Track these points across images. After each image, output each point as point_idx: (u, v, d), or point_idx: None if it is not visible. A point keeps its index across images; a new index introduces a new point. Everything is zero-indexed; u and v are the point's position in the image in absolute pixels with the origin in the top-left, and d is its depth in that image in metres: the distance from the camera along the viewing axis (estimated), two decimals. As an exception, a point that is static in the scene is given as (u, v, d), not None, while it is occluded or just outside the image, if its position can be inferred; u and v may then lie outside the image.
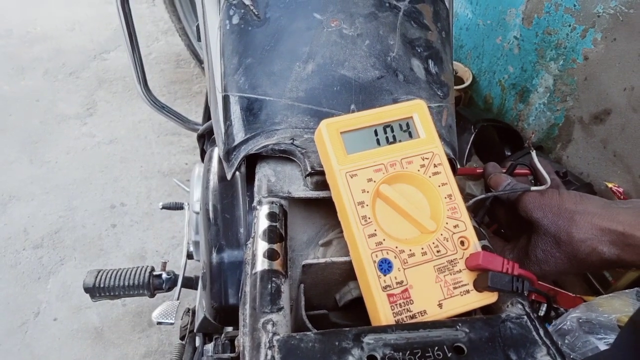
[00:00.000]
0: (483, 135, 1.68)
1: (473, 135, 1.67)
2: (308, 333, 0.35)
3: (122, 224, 1.80)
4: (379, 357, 0.33)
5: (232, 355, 0.41)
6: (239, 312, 0.41)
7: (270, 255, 0.39)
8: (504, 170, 0.56)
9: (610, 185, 1.39)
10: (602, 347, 1.27)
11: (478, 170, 0.56)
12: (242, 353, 0.36)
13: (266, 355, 0.33)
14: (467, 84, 1.83)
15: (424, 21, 0.52)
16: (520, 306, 0.39)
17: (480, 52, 1.87)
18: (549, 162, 0.57)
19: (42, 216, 1.81)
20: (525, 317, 0.37)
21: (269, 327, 0.35)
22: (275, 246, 0.40)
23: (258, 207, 0.44)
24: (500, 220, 0.57)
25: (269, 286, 0.37)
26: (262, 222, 0.42)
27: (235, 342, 0.43)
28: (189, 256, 0.99)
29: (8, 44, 2.61)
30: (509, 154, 1.66)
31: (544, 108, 1.60)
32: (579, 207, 0.46)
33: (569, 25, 1.44)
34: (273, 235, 0.41)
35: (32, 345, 1.47)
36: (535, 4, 1.56)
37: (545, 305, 1.20)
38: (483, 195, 0.51)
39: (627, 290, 1.33)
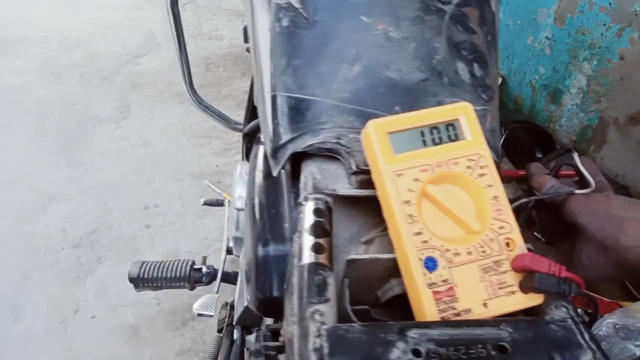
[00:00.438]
0: (513, 137, 1.67)
1: (503, 137, 1.65)
2: (354, 324, 0.36)
3: (155, 224, 1.85)
4: (423, 351, 0.34)
5: (278, 343, 0.43)
6: (285, 302, 0.42)
7: (317, 249, 0.41)
8: (548, 172, 0.56)
9: (647, 187, 1.36)
10: (640, 353, 1.25)
11: (521, 172, 0.56)
12: (290, 341, 0.37)
13: (314, 343, 0.34)
14: (497, 85, 1.82)
15: (470, 24, 0.53)
16: (564, 309, 0.39)
17: (510, 53, 1.85)
18: (594, 164, 0.56)
19: (79, 216, 1.87)
20: (570, 320, 0.38)
21: (317, 316, 0.36)
22: (322, 240, 0.42)
23: (304, 203, 0.45)
24: (543, 224, 0.57)
25: (316, 278, 0.39)
26: (309, 218, 0.43)
27: (281, 331, 0.44)
28: (229, 252, 1.02)
29: (46, 50, 2.71)
30: (540, 156, 1.64)
31: (576, 109, 1.58)
32: (627, 214, 0.45)
33: (604, 24, 1.41)
34: (319, 230, 0.42)
35: (72, 342, 1.52)
36: (569, 3, 1.54)
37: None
38: (526, 199, 0.51)
39: (665, 296, 1.30)
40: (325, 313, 0.37)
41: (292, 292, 0.40)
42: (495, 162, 0.50)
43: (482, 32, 0.54)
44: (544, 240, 0.56)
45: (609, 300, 1.36)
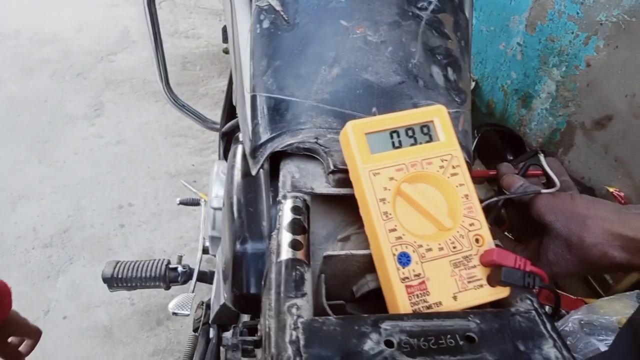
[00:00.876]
0: (485, 140, 1.71)
1: (476, 140, 1.70)
2: (329, 317, 0.37)
3: (130, 224, 1.83)
4: (395, 342, 0.36)
5: (255, 338, 0.44)
6: (263, 297, 0.43)
7: (294, 245, 0.42)
8: (517, 172, 0.58)
9: (611, 189, 1.42)
10: (603, 348, 1.30)
11: (491, 172, 0.59)
12: (267, 335, 0.38)
13: (291, 335, 0.36)
14: (470, 89, 1.86)
15: (445, 30, 0.55)
16: (529, 302, 0.41)
17: (484, 58, 1.90)
18: (560, 164, 0.59)
19: (51, 215, 1.83)
20: (534, 311, 0.40)
21: (294, 310, 0.37)
22: (299, 237, 0.43)
23: (283, 201, 0.46)
24: (512, 221, 0.59)
25: (294, 274, 0.40)
26: (287, 215, 0.44)
27: (258, 326, 0.45)
28: (205, 251, 1.02)
29: (17, 44, 2.64)
30: (511, 158, 1.69)
31: (546, 113, 1.63)
32: (591, 212, 0.48)
33: (572, 33, 1.47)
34: (297, 227, 0.44)
35: (42, 343, 1.46)
36: (539, 11, 1.59)
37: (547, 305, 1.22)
38: (496, 198, 0.53)
39: (627, 293, 1.36)
40: (302, 307, 0.38)
41: (269, 287, 0.41)
42: (467, 163, 0.52)
43: (456, 37, 0.56)
44: (512, 238, 0.59)
45: (575, 297, 1.42)
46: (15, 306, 1.54)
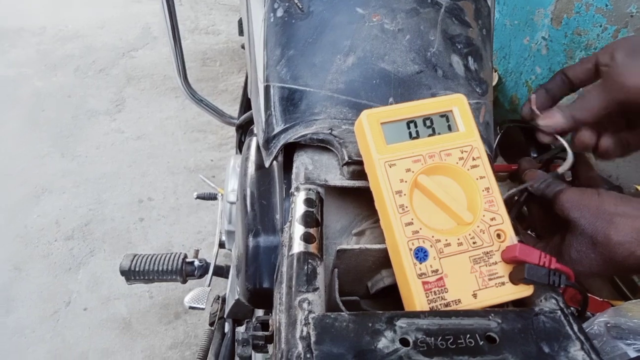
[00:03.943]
0: (508, 137, 1.67)
1: (499, 136, 1.66)
2: (342, 313, 0.36)
3: (149, 218, 1.84)
4: (411, 341, 0.34)
5: (266, 333, 0.43)
6: (275, 291, 0.42)
7: (307, 238, 0.41)
8: (540, 167, 0.56)
9: (640, 188, 1.37)
10: (632, 353, 1.25)
11: (513, 167, 0.57)
12: (278, 330, 0.37)
13: (302, 331, 0.34)
14: (493, 84, 1.82)
15: (465, 18, 0.53)
16: (554, 301, 0.39)
17: (507, 53, 1.86)
18: (588, 160, 0.56)
19: (73, 209, 1.86)
20: (559, 311, 0.38)
21: (305, 305, 0.36)
22: (312, 230, 0.42)
23: (295, 193, 0.45)
24: (533, 218, 0.57)
25: (305, 267, 0.39)
26: (300, 208, 0.43)
27: (270, 321, 0.44)
28: (221, 245, 1.02)
29: (41, 41, 2.69)
30: (535, 155, 1.65)
31: (572, 109, 1.58)
32: (619, 209, 0.45)
33: (600, 26, 1.42)
34: (310, 219, 0.42)
35: (64, 334, 1.51)
36: (565, 4, 1.54)
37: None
38: (515, 189, 0.51)
39: (656, 295, 1.31)
40: (313, 302, 0.37)
41: (281, 281, 0.40)
42: (488, 156, 0.50)
43: (477, 26, 0.54)
44: (533, 235, 0.56)
45: (601, 300, 1.37)
46: (38, 298, 1.57)
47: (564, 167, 0.50)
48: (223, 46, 2.76)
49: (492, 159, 0.51)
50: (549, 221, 0.54)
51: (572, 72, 0.53)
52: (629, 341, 1.29)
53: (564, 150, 0.57)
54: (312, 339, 0.34)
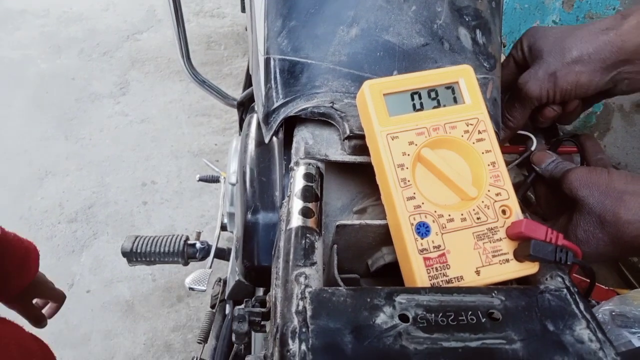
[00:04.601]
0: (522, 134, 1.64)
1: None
2: (340, 288, 0.35)
3: (152, 201, 1.84)
4: (410, 317, 0.33)
5: (263, 310, 0.42)
6: (272, 266, 0.41)
7: (305, 212, 0.40)
8: (548, 148, 0.55)
9: (649, 175, 1.34)
10: (636, 341, 1.24)
11: (520, 148, 0.55)
12: (274, 304, 0.36)
13: (297, 305, 0.33)
14: (501, 60, 1.79)
15: None
16: (560, 279, 0.38)
17: (517, 37, 1.82)
18: (597, 141, 0.55)
19: (76, 191, 1.86)
20: (565, 290, 0.37)
21: (302, 279, 0.35)
22: (311, 205, 0.40)
23: (295, 167, 0.44)
24: (540, 199, 0.56)
25: (303, 241, 0.38)
26: (299, 182, 0.42)
27: (267, 297, 0.43)
28: (223, 228, 1.01)
29: (45, 23, 2.68)
30: (543, 142, 1.62)
31: (581, 95, 1.55)
32: (629, 187, 0.44)
33: (613, 8, 1.38)
34: (309, 194, 0.41)
35: (67, 315, 1.52)
36: (577, -14, 1.51)
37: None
38: (515, 160, 0.50)
39: (663, 284, 1.29)
40: (310, 276, 0.36)
41: (278, 256, 0.39)
42: (496, 133, 0.48)
43: (486, -3, 0.52)
44: (539, 218, 0.55)
45: (607, 288, 1.36)
46: (41, 279, 1.57)
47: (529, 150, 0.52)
48: (228, 29, 2.73)
49: (499, 137, 0.50)
50: (556, 202, 0.52)
51: (504, 77, 0.56)
52: (633, 329, 1.28)
53: (571, 137, 0.56)
54: (309, 313, 0.33)
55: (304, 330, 0.32)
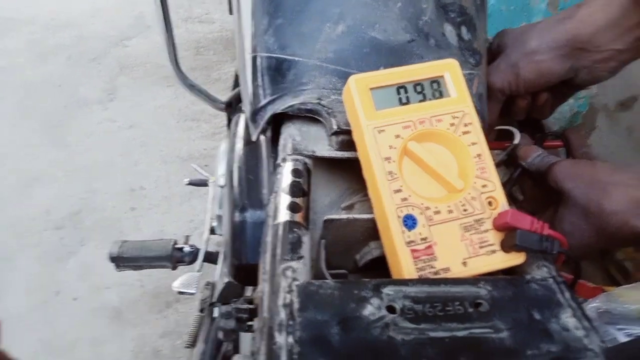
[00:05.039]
0: (503, 123, 1.66)
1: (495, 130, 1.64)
2: (327, 281, 0.35)
3: (141, 207, 1.82)
4: (397, 308, 0.33)
5: (250, 306, 0.41)
6: (260, 262, 0.41)
7: (293, 207, 0.40)
8: (534, 142, 0.55)
9: (635, 174, 1.36)
10: (622, 338, 1.25)
11: (506, 144, 0.56)
12: (261, 299, 0.36)
13: (284, 298, 0.33)
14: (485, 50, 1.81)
15: None
16: (546, 269, 0.38)
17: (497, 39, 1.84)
18: (582, 135, 0.57)
19: (63, 198, 1.84)
20: (551, 279, 0.37)
21: (289, 273, 0.35)
22: (298, 200, 0.41)
23: (282, 164, 0.44)
24: (526, 194, 0.56)
25: (290, 236, 0.38)
26: (286, 178, 0.42)
27: (254, 294, 0.43)
28: (212, 231, 1.01)
29: (32, 30, 2.65)
30: (529, 137, 1.64)
31: (567, 97, 1.57)
32: (613, 178, 0.45)
33: (596, 11, 1.41)
34: (296, 189, 0.41)
35: (53, 323, 1.49)
36: (561, -11, 1.53)
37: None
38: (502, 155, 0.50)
39: (649, 282, 1.31)
40: (297, 270, 0.35)
41: (265, 251, 0.39)
42: (483, 128, 0.49)
43: (471, -6, 0.53)
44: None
45: (593, 286, 1.37)
46: (27, 287, 1.55)
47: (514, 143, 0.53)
48: (217, 35, 2.73)
49: (486, 132, 0.50)
50: (542, 196, 0.53)
51: None
52: (619, 326, 1.29)
53: (558, 136, 0.58)
54: (296, 306, 0.33)
55: (290, 323, 0.32)
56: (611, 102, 1.42)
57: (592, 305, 1.36)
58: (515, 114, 0.57)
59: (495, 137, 0.58)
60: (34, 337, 1.46)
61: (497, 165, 0.59)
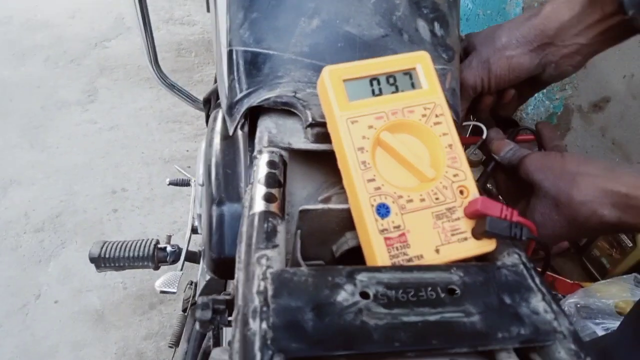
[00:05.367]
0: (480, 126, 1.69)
1: (471, 126, 1.67)
2: (301, 268, 0.35)
3: (123, 208, 1.80)
4: (371, 294, 0.34)
5: (227, 297, 0.42)
6: (236, 252, 0.41)
7: (268, 198, 0.40)
8: (507, 136, 0.57)
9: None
10: (600, 332, 1.28)
11: (477, 139, 0.57)
12: (236, 288, 0.36)
13: (259, 286, 0.33)
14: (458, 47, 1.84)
15: None
16: (516, 256, 0.39)
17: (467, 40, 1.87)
18: (554, 128, 0.58)
19: (43, 200, 1.81)
20: (522, 265, 0.38)
21: (263, 261, 0.35)
22: (274, 190, 0.41)
23: (258, 156, 0.44)
24: (500, 187, 0.58)
25: (265, 225, 0.38)
26: (262, 169, 0.42)
27: (231, 287, 0.43)
28: (194, 230, 1.00)
29: (9, 30, 2.61)
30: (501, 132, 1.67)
31: (542, 97, 1.60)
32: (581, 169, 0.46)
33: (571, 12, 1.44)
34: (272, 180, 0.41)
35: (33, 327, 1.47)
36: (537, -9, 1.56)
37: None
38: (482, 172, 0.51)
39: (624, 276, 1.34)
40: (272, 258, 0.36)
41: (240, 241, 0.39)
42: (455, 122, 0.50)
43: (443, -9, 0.54)
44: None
45: (571, 282, 1.40)
46: (5, 291, 1.52)
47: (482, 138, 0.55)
48: (198, 37, 2.72)
49: (459, 126, 0.51)
50: (515, 189, 0.54)
51: None
52: (597, 320, 1.32)
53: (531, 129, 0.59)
54: (270, 292, 0.33)
55: (264, 309, 0.32)
56: (585, 104, 1.45)
57: (571, 301, 1.39)
58: (481, 112, 0.58)
59: (467, 133, 0.59)
60: (12, 342, 1.44)
61: (475, 164, 0.60)
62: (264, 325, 0.31)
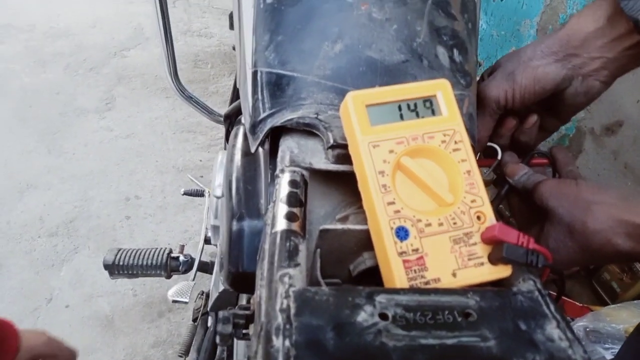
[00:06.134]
0: (492, 148, 1.69)
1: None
2: (323, 288, 0.36)
3: (136, 216, 1.83)
4: (390, 315, 0.35)
5: (247, 312, 0.43)
6: (257, 268, 0.43)
7: (290, 217, 0.41)
8: (521, 160, 0.57)
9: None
10: (609, 357, 1.27)
11: (492, 161, 0.58)
12: (258, 304, 0.37)
13: (282, 304, 0.34)
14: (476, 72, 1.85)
15: (452, 11, 0.54)
16: (532, 282, 0.40)
17: (493, 62, 1.88)
18: (568, 153, 0.58)
19: (58, 205, 1.84)
20: (537, 292, 0.39)
21: (286, 279, 0.36)
22: (295, 209, 0.42)
23: (280, 175, 0.45)
24: (514, 211, 0.58)
25: (288, 244, 0.39)
26: (284, 188, 0.44)
27: (251, 301, 0.44)
28: (207, 241, 1.02)
29: (31, 38, 2.67)
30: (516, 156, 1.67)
31: (556, 118, 1.60)
32: (596, 197, 0.46)
33: (586, 35, 1.45)
34: (293, 200, 0.43)
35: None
36: (550, 15, 1.57)
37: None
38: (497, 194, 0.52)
39: (635, 302, 1.33)
40: (294, 277, 0.37)
41: (263, 258, 0.40)
42: (472, 146, 0.51)
43: (463, 19, 0.55)
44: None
45: (581, 305, 1.39)
46: (19, 294, 1.55)
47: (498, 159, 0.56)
48: (215, 49, 2.77)
49: (475, 150, 0.52)
50: (528, 213, 0.55)
51: None
52: (607, 345, 1.30)
53: (546, 153, 0.59)
54: (292, 311, 0.34)
55: (287, 327, 0.33)
56: (597, 127, 1.46)
57: (580, 324, 1.37)
58: (502, 136, 0.58)
59: (482, 155, 0.60)
60: (24, 345, 1.45)
61: (487, 184, 0.61)
62: (287, 342, 0.32)
